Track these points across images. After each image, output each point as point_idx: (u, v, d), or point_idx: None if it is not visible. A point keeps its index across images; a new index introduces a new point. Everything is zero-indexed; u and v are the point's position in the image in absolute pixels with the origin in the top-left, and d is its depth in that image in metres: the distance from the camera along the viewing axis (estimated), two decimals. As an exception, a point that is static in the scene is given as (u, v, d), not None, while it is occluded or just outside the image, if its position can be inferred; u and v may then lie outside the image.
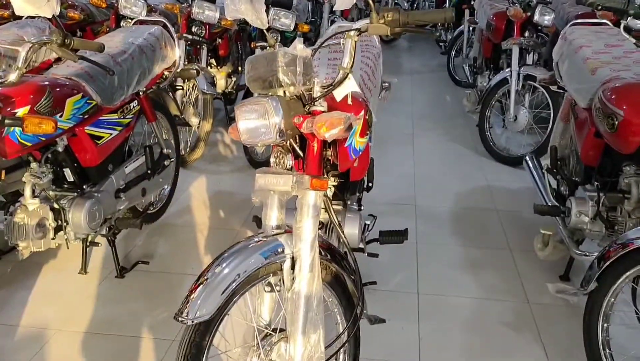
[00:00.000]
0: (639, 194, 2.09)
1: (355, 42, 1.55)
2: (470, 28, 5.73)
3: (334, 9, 1.62)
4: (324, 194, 1.61)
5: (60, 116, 1.97)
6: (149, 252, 2.77)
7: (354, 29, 1.54)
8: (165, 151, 2.85)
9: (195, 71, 3.14)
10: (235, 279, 1.48)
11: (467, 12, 5.88)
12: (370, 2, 1.50)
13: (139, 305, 2.39)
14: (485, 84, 4.42)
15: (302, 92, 1.57)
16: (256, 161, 3.79)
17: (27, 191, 2.07)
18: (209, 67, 4.09)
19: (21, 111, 1.79)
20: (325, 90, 1.58)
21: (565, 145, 2.76)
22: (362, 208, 2.25)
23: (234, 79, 4.60)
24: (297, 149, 1.62)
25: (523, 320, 2.31)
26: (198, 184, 3.56)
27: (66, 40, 1.83)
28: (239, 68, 4.83)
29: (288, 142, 1.60)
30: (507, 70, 3.92)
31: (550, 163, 2.69)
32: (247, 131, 1.55)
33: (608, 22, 2.73)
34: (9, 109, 1.72)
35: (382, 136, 4.12)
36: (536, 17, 3.79)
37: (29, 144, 1.90)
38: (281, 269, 1.58)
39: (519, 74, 3.81)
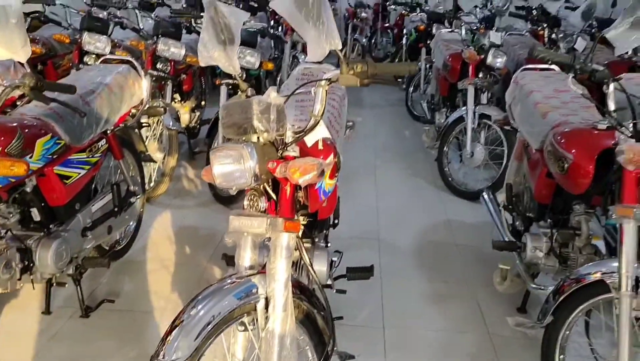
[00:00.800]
0: (588, 231, 2.24)
1: (326, 91, 1.64)
2: (427, 65, 5.96)
3: (306, 59, 1.70)
4: (297, 235, 1.67)
5: (30, 157, 1.97)
6: (115, 290, 2.75)
7: (324, 79, 1.62)
8: (131, 188, 2.85)
9: (162, 109, 3.18)
10: (210, 321, 1.52)
11: (423, 50, 6.12)
12: (340, 55, 1.59)
13: (105, 344, 2.37)
14: (442, 121, 4.60)
15: (275, 138, 1.64)
16: (220, 195, 3.82)
17: (-6, 232, 2.05)
18: (172, 102, 4.12)
19: (-7, 153, 1.80)
20: (297, 136, 1.66)
21: (520, 182, 2.92)
22: (329, 244, 2.32)
23: (197, 113, 4.64)
24: (270, 192, 1.68)
25: (484, 352, 2.40)
26: (163, 220, 3.56)
27: (38, 83, 1.85)
28: (202, 103, 4.88)
29: (262, 185, 1.66)
30: (464, 108, 4.10)
31: (506, 200, 2.84)
32: (222, 175, 1.60)
33: (555, 68, 2.92)
34: (-20, 151, 1.72)
35: (345, 167, 4.19)
36: (489, 60, 3.99)
37: (0, 185, 1.90)
38: (255, 309, 1.62)
39: (474, 113, 4.00)
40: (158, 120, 3.69)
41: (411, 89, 6.42)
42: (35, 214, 2.22)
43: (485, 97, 4.20)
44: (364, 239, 3.38)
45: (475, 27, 5.01)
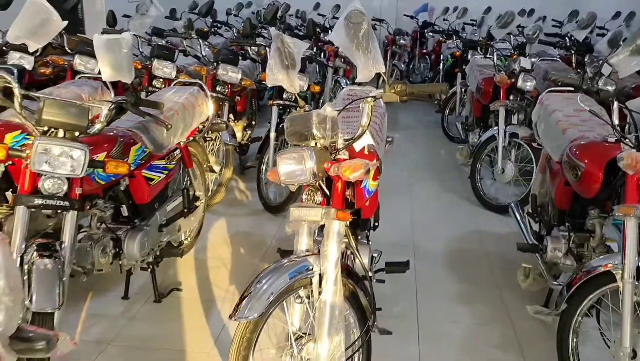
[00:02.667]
0: (601, 232, 2.53)
1: (372, 106, 2.01)
2: (462, 89, 6.28)
3: (357, 80, 2.04)
4: (346, 224, 2.03)
5: (127, 161, 2.40)
6: (181, 282, 3.14)
7: (370, 97, 2.00)
8: (197, 193, 3.27)
9: (224, 125, 3.61)
10: (275, 289, 1.88)
11: (459, 75, 6.46)
12: (384, 76, 1.97)
13: (175, 326, 2.75)
14: (475, 140, 4.91)
15: (329, 144, 2.02)
16: (269, 205, 4.22)
17: (94, 223, 2.48)
18: (229, 121, 4.57)
19: (101, 156, 2.23)
20: (347, 142, 2.03)
21: (544, 193, 3.20)
22: (370, 242, 2.67)
23: (249, 132, 5.08)
24: (325, 188, 2.05)
25: (508, 342, 2.69)
26: (219, 225, 3.97)
27: (137, 101, 2.28)
28: (253, 122, 5.34)
29: (318, 182, 2.03)
30: (495, 128, 4.41)
31: (531, 208, 3.13)
32: (287, 173, 1.98)
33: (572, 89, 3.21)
34: (94, 155, 2.15)
35: (382, 185, 4.55)
36: (519, 83, 4.30)
37: (102, 183, 2.33)
38: (311, 284, 1.97)
39: (505, 132, 4.30)
40: (216, 136, 4.14)
41: (447, 111, 6.74)
42: (124, 210, 2.65)
43: (516, 119, 4.51)
44: (399, 246, 3.70)
45: (509, 54, 5.34)
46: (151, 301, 2.93)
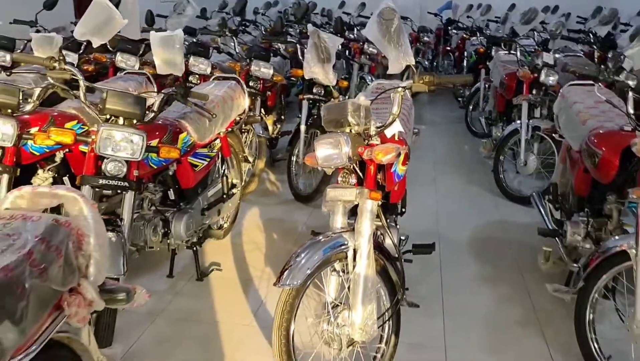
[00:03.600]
0: (618, 217, 2.67)
1: (402, 96, 2.20)
2: (486, 85, 6.41)
3: (387, 72, 2.22)
4: (378, 204, 2.22)
5: (176, 147, 2.62)
6: (221, 262, 3.37)
7: (401, 87, 2.18)
8: (234, 181, 3.49)
9: (259, 118, 3.83)
10: (314, 261, 2.08)
11: (483, 71, 6.58)
12: (413, 68, 2.16)
13: (216, 301, 2.98)
14: (499, 134, 5.05)
15: (363, 131, 2.21)
16: (299, 195, 4.42)
17: (145, 205, 2.71)
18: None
19: (154, 142, 2.45)
20: (380, 129, 2.22)
21: (565, 182, 3.35)
22: (398, 226, 2.85)
23: (278, 126, 5.30)
24: (358, 171, 2.24)
25: (528, 320, 2.85)
26: (253, 213, 4.19)
27: (186, 92, 2.51)
28: (282, 117, 5.55)
29: (352, 166, 2.23)
30: (518, 122, 4.54)
31: (552, 196, 3.28)
32: (324, 157, 2.18)
33: (594, 84, 3.35)
34: (148, 141, 2.37)
35: (408, 177, 4.71)
36: (542, 78, 4.43)
37: (155, 167, 2.56)
38: (346, 258, 2.17)
39: (528, 126, 4.43)
40: (249, 129, 4.36)
41: (471, 107, 6.87)
42: (171, 194, 2.88)
43: (539, 113, 4.63)
44: (425, 234, 3.86)
45: (532, 50, 5.46)
46: (193, 280, 3.16)
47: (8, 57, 4.44)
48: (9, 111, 2.46)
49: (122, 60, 4.40)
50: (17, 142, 2.47)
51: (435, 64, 10.59)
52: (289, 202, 4.43)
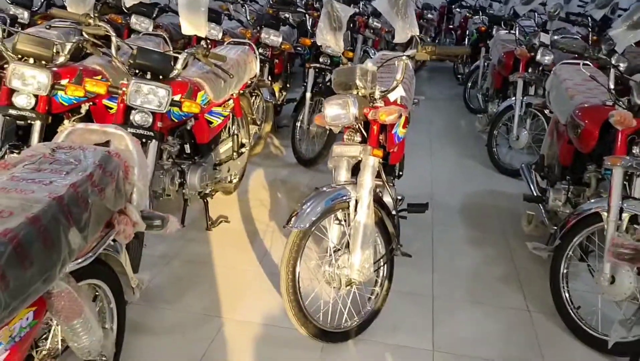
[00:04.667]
0: (596, 185, 2.93)
1: (406, 64, 2.42)
2: (485, 63, 6.61)
3: (394, 41, 2.44)
4: (379, 161, 2.46)
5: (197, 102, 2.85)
6: (228, 215, 3.62)
7: (405, 55, 2.41)
8: (243, 140, 3.72)
9: (268, 82, 4.04)
10: (319, 208, 2.33)
11: (483, 49, 6.77)
12: (418, 38, 2.38)
13: (225, 249, 3.23)
14: (494, 110, 5.28)
15: (369, 94, 2.44)
16: (303, 159, 4.66)
17: (164, 156, 2.95)
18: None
19: (177, 98, 2.68)
20: (384, 93, 2.45)
21: (552, 155, 3.59)
22: (395, 187, 3.10)
23: (284, 93, 5.51)
24: (363, 130, 2.48)
25: (510, 277, 3.13)
26: (258, 174, 4.43)
27: (206, 52, 2.72)
28: (288, 85, 5.75)
29: (357, 125, 2.46)
30: (513, 98, 4.77)
31: (539, 166, 3.53)
32: (333, 117, 2.42)
33: (589, 63, 3.57)
34: (172, 96, 2.60)
35: (408, 149, 4.95)
36: (538, 57, 4.65)
37: (176, 120, 2.79)
38: (347, 207, 2.42)
39: (522, 102, 4.66)
40: (258, 94, 4.58)
41: (469, 84, 7.08)
42: (187, 148, 3.11)
43: (533, 90, 4.86)
44: (420, 198, 4.09)
45: (532, 30, 5.65)
46: (203, 230, 3.42)
47: (26, 14, 4.64)
48: (43, 62, 2.67)
49: (137, 22, 4.57)
50: (50, 92, 2.69)
51: (437, 41, 10.74)
52: (293, 165, 4.68)
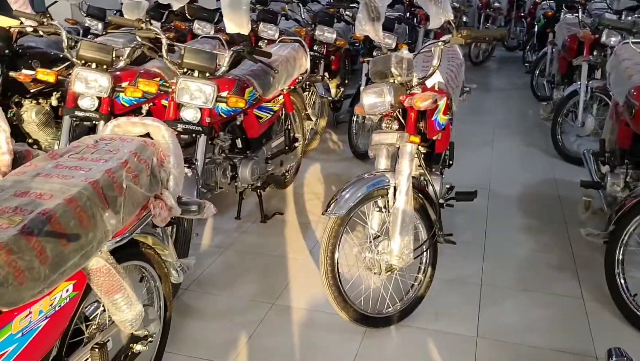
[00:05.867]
0: (656, 168, 2.78)
1: (442, 49, 2.42)
2: (552, 49, 6.35)
3: (428, 27, 2.44)
4: (418, 148, 2.47)
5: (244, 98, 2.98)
6: (283, 208, 3.74)
7: (441, 41, 2.41)
8: (296, 135, 3.83)
9: (320, 77, 4.13)
10: (358, 194, 2.37)
11: (550, 35, 6.51)
12: (452, 23, 2.37)
13: (278, 240, 3.35)
14: (559, 96, 5.08)
15: (405, 82, 2.46)
16: (358, 152, 4.71)
17: (216, 151, 3.10)
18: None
19: (224, 94, 2.82)
20: (421, 80, 2.46)
21: (613, 139, 3.43)
22: (444, 176, 3.09)
23: (342, 89, 5.57)
24: (400, 118, 2.50)
25: (566, 265, 3.02)
26: (314, 168, 4.53)
27: (251, 50, 2.84)
28: (346, 81, 5.81)
29: (395, 113, 2.49)
30: (578, 83, 4.57)
31: (600, 151, 3.38)
32: (370, 105, 2.46)
33: (654, 42, 3.38)
34: (219, 92, 2.74)
35: (467, 140, 4.89)
36: (603, 39, 4.41)
37: (224, 116, 2.93)
38: (387, 194, 2.45)
39: (587, 87, 4.46)
40: (312, 90, 4.68)
41: (537, 72, 6.82)
42: (239, 143, 3.25)
43: (600, 74, 4.63)
44: (475, 188, 4.05)
45: (602, 12, 5.38)
46: (258, 222, 3.55)
47: (100, 25, 4.99)
48: (104, 67, 2.89)
49: (199, 27, 4.80)
50: (111, 94, 2.90)
51: (508, 30, 10.38)
52: (349, 159, 4.73)
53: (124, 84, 3.00)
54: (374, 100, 2.43)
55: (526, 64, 7.99)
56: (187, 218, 2.48)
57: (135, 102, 3.14)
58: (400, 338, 2.47)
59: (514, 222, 3.55)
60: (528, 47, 8.52)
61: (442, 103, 2.54)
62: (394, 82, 2.44)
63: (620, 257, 2.57)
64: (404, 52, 2.43)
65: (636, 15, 5.23)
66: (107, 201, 1.50)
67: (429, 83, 2.50)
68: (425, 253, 2.60)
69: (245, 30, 2.91)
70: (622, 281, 2.54)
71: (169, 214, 1.77)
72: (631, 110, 2.68)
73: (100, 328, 1.73)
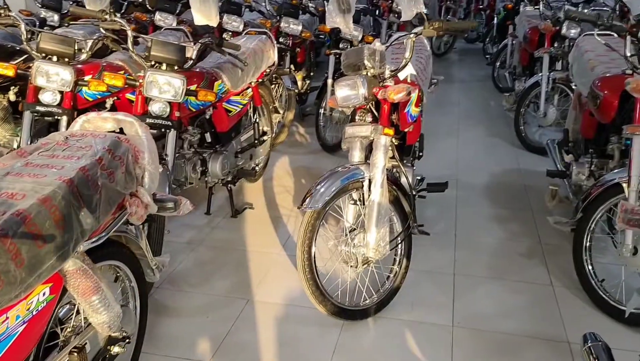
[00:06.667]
0: (619, 157, 2.86)
1: (414, 41, 2.42)
2: (513, 41, 6.47)
3: (400, 20, 2.44)
4: (392, 141, 2.48)
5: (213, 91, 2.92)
6: (253, 202, 3.70)
7: (413, 33, 2.41)
8: (264, 128, 3.79)
9: (288, 70, 4.09)
10: (333, 188, 2.37)
11: (510, 27, 6.64)
12: (424, 15, 2.38)
13: (249, 234, 3.31)
14: (521, 88, 5.18)
15: (378, 74, 2.45)
16: (327, 145, 4.70)
17: (185, 145, 3.03)
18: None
19: (193, 87, 2.75)
20: (393, 72, 2.46)
21: (576, 129, 3.52)
22: (415, 168, 3.11)
23: (307, 82, 5.55)
24: (374, 110, 2.50)
25: (534, 253, 3.09)
26: (283, 161, 4.50)
27: (220, 42, 2.78)
28: (311, 73, 5.79)
29: (368, 105, 2.48)
30: (540, 74, 4.67)
31: (563, 141, 3.47)
32: (343, 98, 2.44)
33: (612, 33, 3.48)
34: (188, 86, 2.67)
35: (432, 131, 4.95)
36: (563, 31, 4.52)
37: (194, 110, 2.87)
38: (362, 187, 2.45)
39: (548, 78, 4.56)
40: (279, 83, 4.63)
41: (498, 64, 6.94)
42: (208, 137, 3.19)
43: (560, 65, 4.74)
44: (443, 179, 4.10)
45: (560, 4, 5.51)
46: (229, 217, 3.50)
47: (56, 17, 4.81)
48: (66, 60, 2.78)
49: (161, 19, 4.69)
50: (74, 88, 2.80)
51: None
52: (317, 152, 4.72)
53: (87, 78, 2.90)
54: (348, 92, 2.42)
55: (487, 56, 8.14)
56: (161, 215, 2.42)
57: (100, 97, 3.04)
58: (378, 330, 2.48)
59: (482, 211, 3.61)
60: (488, 39, 8.68)
61: (414, 95, 2.55)
62: (367, 74, 2.43)
63: (588, 244, 2.65)
64: (377, 44, 2.43)
65: (592, 8, 5.38)
66: (83, 200, 1.44)
67: (402, 75, 2.50)
68: (400, 245, 2.61)
69: (214, 22, 2.86)
70: (590, 267, 2.62)
71: (145, 212, 1.72)
72: (596, 100, 2.75)
73: (75, 331, 1.67)
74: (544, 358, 2.29)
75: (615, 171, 2.62)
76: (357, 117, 2.54)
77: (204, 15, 2.77)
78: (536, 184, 4.03)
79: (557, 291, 2.73)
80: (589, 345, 1.81)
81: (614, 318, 2.50)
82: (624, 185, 2.46)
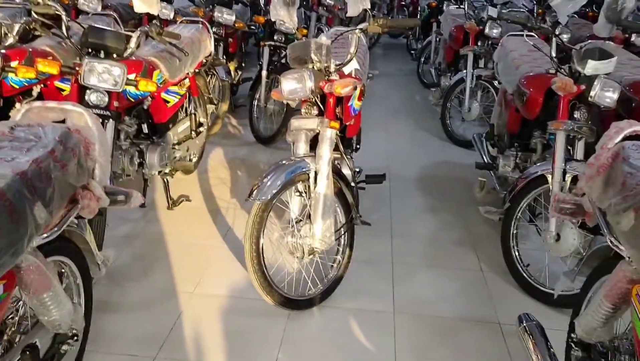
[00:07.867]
0: (542, 150, 3.09)
1: (359, 36, 2.49)
2: (437, 38, 6.74)
3: (347, 15, 2.50)
4: (337, 133, 2.53)
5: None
6: (189, 195, 3.63)
7: (358, 28, 2.47)
8: (201, 119, 3.73)
9: (223, 61, 4.04)
10: (280, 180, 2.39)
11: (434, 25, 6.91)
12: (369, 11, 2.44)
13: (186, 228, 3.26)
14: (447, 83, 5.42)
15: (324, 68, 2.50)
16: (261, 137, 4.70)
17: (122, 136, 2.93)
18: (222, 61, 4.98)
19: (132, 77, 2.67)
20: (339, 66, 2.52)
21: (501, 124, 3.74)
22: (353, 160, 3.18)
23: (239, 73, 5.50)
24: (319, 103, 2.54)
25: (465, 241, 3.27)
26: (217, 153, 4.45)
27: (160, 31, 2.71)
28: (243, 64, 5.74)
29: (314, 98, 2.52)
30: (464, 71, 4.91)
31: (489, 135, 3.68)
32: (289, 91, 2.47)
33: (534, 34, 3.72)
34: (127, 75, 2.59)
35: (363, 123, 5.05)
36: (487, 30, 4.78)
37: (132, 100, 2.78)
38: (308, 179, 2.49)
39: (472, 75, 4.81)
40: (213, 73, 4.56)
41: (422, 59, 7.21)
42: (145, 128, 3.10)
43: (483, 63, 5.01)
44: (376, 171, 4.21)
45: (481, 4, 5.80)
46: (165, 209, 3.42)
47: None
48: (-9, 44, 2.61)
49: (85, 2, 4.46)
50: None
51: (390, 17, 10.82)
52: (251, 144, 4.71)
53: (14, 64, 2.73)
54: (294, 86, 2.45)
55: (412, 52, 8.40)
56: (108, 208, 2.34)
57: (27, 84, 2.88)
58: (323, 318, 2.54)
59: (416, 202, 3.76)
60: (411, 36, 8.96)
61: (358, 89, 2.62)
62: (313, 68, 2.47)
63: (514, 231, 2.84)
64: (323, 38, 2.47)
65: (509, 10, 5.70)
66: (37, 194, 1.38)
67: (347, 70, 2.56)
68: (343, 235, 2.68)
69: (155, 10, 2.78)
70: (517, 253, 2.82)
71: (97, 205, 1.67)
72: (522, 98, 2.95)
73: (20, 329, 1.60)
74: (478, 339, 2.45)
75: (539, 164, 2.83)
76: (302, 111, 2.58)
77: (145, 2, 2.68)
78: (462, 175, 4.25)
79: (486, 277, 2.91)
80: (524, 324, 1.97)
81: (539, 300, 2.70)
82: (548, 177, 2.66)
